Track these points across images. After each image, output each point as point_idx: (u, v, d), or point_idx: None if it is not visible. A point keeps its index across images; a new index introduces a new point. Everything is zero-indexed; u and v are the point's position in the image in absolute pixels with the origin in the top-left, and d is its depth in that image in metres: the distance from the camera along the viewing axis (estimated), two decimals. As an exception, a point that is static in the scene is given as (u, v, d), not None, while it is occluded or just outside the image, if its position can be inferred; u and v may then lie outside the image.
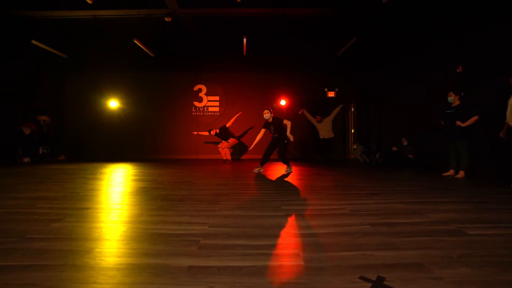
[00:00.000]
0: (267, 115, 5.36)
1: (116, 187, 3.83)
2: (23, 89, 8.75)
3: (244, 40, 7.41)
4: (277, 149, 5.58)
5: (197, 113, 9.70)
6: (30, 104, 8.99)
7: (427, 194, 3.33)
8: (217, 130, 7.99)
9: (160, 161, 8.40)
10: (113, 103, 9.52)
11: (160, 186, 3.96)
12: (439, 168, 6.02)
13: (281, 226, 2.11)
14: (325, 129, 7.70)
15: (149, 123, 9.66)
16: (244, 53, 8.34)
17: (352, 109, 10.11)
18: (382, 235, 1.92)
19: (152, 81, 9.73)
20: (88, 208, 2.63)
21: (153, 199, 3.08)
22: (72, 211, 2.52)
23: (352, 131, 10.13)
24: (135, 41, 7.50)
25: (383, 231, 1.99)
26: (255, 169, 5.63)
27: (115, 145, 9.67)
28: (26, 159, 8.32)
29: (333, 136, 7.80)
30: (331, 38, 7.68)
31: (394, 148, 7.21)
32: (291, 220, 2.26)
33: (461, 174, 4.91)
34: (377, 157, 7.74)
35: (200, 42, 8.04)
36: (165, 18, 6.29)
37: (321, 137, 7.86)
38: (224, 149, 8.01)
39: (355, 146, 9.20)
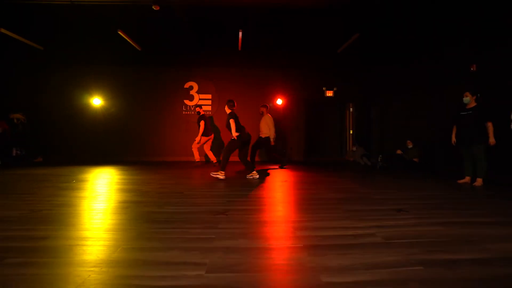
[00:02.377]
0: (226, 109, 5.19)
1: (92, 201, 3.20)
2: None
3: (240, 34, 6.83)
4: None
5: (188, 112, 9.05)
6: (2, 100, 8.15)
7: (460, 211, 2.85)
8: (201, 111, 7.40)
9: (148, 164, 7.74)
10: (97, 101, 8.77)
11: (144, 199, 3.35)
12: (449, 173, 5.61)
13: (303, 267, 1.56)
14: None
15: (135, 123, 8.96)
16: (239, 48, 7.76)
17: (351, 109, 9.67)
18: (446, 284, 1.40)
19: (139, 77, 9.03)
20: (44, 238, 2.02)
21: (134, 219, 2.49)
22: (20, 244, 1.90)
23: (351, 132, 9.70)
24: (119, 33, 6.81)
25: (445, 276, 1.48)
26: (249, 175, 5.15)
27: (98, 146, 8.93)
28: (-4, 162, 7.52)
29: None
30: (331, 33, 7.20)
31: (399, 151, 6.79)
32: (314, 256, 1.72)
33: (479, 182, 4.49)
34: (379, 160, 7.30)
35: (191, 35, 7.43)
36: (153, 7, 5.65)
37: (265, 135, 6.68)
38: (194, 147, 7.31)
39: (354, 148, 8.76)
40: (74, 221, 2.43)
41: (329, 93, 9.32)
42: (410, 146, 6.65)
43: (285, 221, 2.48)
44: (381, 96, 8.75)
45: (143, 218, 2.54)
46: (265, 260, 1.67)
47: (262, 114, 6.81)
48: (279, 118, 9.11)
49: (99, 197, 3.42)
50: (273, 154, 8.13)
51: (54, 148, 8.89)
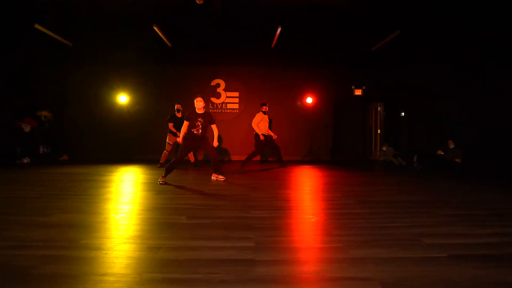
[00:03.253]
0: (200, 103, 4.50)
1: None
2: (22, 80, 7.73)
3: (278, 30, 6.68)
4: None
5: (215, 110, 8.91)
6: (29, 97, 7.97)
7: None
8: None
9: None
10: (123, 98, 8.60)
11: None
12: (499, 176, 5.52)
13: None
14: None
15: (161, 121, 8.79)
16: (273, 45, 7.61)
17: (379, 108, 9.56)
18: None
19: (165, 74, 8.86)
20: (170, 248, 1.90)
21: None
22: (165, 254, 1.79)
23: (379, 132, 9.59)
24: (155, 28, 6.65)
25: None
26: (162, 181, 4.39)
27: (123, 144, 8.78)
28: (25, 160, 7.35)
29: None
30: (368, 31, 7.07)
31: (440, 152, 6.69)
32: (487, 269, 1.60)
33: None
34: (414, 160, 7.21)
35: (222, 31, 7.27)
36: (197, 1, 5.49)
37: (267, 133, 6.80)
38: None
39: (384, 148, 8.65)
40: (166, 225, 2.32)
41: (358, 92, 9.22)
42: (452, 146, 6.56)
43: (412, 226, 2.37)
44: (412, 95, 8.63)
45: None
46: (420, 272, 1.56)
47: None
48: (308, 117, 9.00)
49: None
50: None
51: (78, 146, 8.74)
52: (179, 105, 6.88)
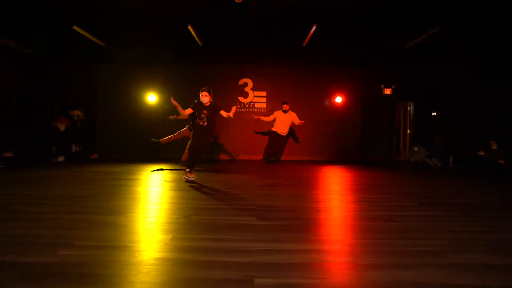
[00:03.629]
0: (204, 98, 4.36)
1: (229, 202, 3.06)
2: (56, 80, 7.88)
3: (313, 28, 6.58)
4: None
5: (242, 110, 8.88)
6: (62, 97, 8.12)
7: None
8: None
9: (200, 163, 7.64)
10: (152, 97, 8.66)
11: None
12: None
13: None
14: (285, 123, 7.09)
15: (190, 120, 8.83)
16: (305, 43, 7.51)
17: (408, 107, 9.33)
18: None
19: (193, 74, 8.88)
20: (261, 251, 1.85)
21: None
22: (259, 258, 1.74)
23: (408, 132, 9.36)
24: (189, 27, 6.66)
25: None
26: (186, 176, 4.34)
27: (151, 143, 8.83)
28: (60, 158, 7.51)
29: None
30: (405, 27, 6.89)
31: (481, 153, 6.46)
32: None
33: None
34: (450, 161, 7.00)
35: (256, 30, 7.23)
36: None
37: (279, 132, 7.14)
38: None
39: (415, 148, 8.43)
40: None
41: (387, 91, 9.02)
42: (494, 147, 6.33)
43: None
44: (446, 94, 8.37)
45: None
46: None
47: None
48: (336, 117, 8.87)
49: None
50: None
51: (108, 145, 8.87)
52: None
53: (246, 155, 8.75)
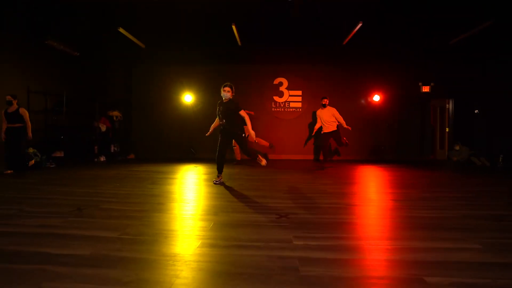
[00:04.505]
0: (226, 94, 3.98)
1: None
2: (98, 81, 8.01)
3: (358, 26, 6.46)
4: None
5: (277, 109, 8.82)
6: (102, 98, 8.24)
7: None
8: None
9: (232, 162, 7.59)
10: (188, 97, 8.68)
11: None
12: None
13: None
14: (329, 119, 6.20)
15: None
16: (345, 42, 7.40)
17: (447, 105, 9.08)
18: None
19: (229, 73, 8.79)
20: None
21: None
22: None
23: (447, 130, 9.10)
24: (233, 27, 6.64)
25: None
26: (216, 180, 4.20)
27: (187, 143, 8.86)
28: (102, 158, 7.61)
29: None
30: (453, 21, 6.71)
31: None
32: None
33: None
34: (500, 160, 6.75)
35: (297, 28, 7.17)
36: (288, -2, 5.41)
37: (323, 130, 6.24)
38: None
39: (457, 147, 8.18)
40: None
41: (425, 89, 8.78)
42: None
43: None
44: (489, 92, 8.08)
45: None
46: None
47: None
48: (373, 115, 8.70)
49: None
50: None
51: (144, 145, 8.93)
52: None
53: (283, 154, 8.65)
